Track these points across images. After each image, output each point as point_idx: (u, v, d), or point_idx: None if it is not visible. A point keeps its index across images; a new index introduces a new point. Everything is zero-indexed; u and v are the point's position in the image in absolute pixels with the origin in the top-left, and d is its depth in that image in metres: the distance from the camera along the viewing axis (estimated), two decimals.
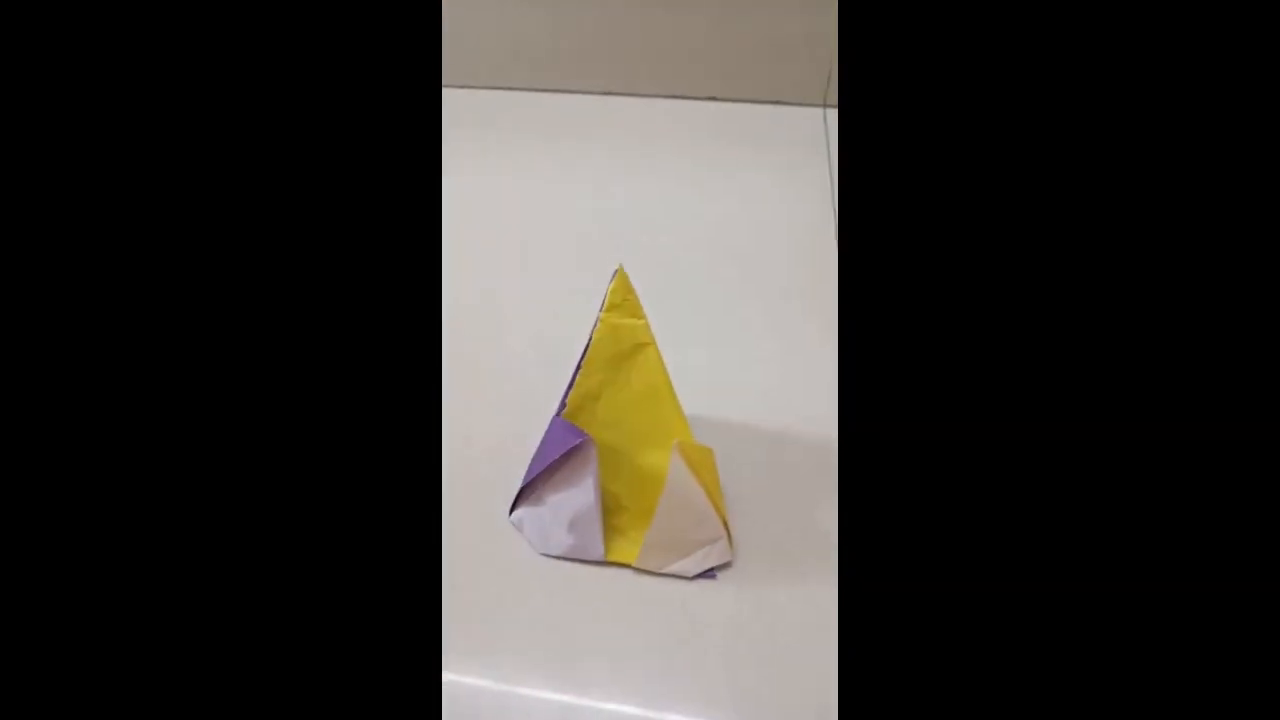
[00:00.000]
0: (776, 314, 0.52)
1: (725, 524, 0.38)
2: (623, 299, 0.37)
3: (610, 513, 0.39)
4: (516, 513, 0.40)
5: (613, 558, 0.38)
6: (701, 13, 0.68)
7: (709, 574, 0.38)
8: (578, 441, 0.37)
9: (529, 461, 0.40)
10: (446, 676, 0.34)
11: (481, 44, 0.75)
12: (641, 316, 0.37)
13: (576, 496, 0.38)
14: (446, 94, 0.74)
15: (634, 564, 0.38)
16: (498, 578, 0.38)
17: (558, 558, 0.39)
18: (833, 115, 0.68)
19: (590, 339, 0.38)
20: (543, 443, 0.40)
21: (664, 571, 0.38)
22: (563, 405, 0.40)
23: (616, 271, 0.37)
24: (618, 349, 0.38)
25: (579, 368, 0.39)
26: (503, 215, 0.60)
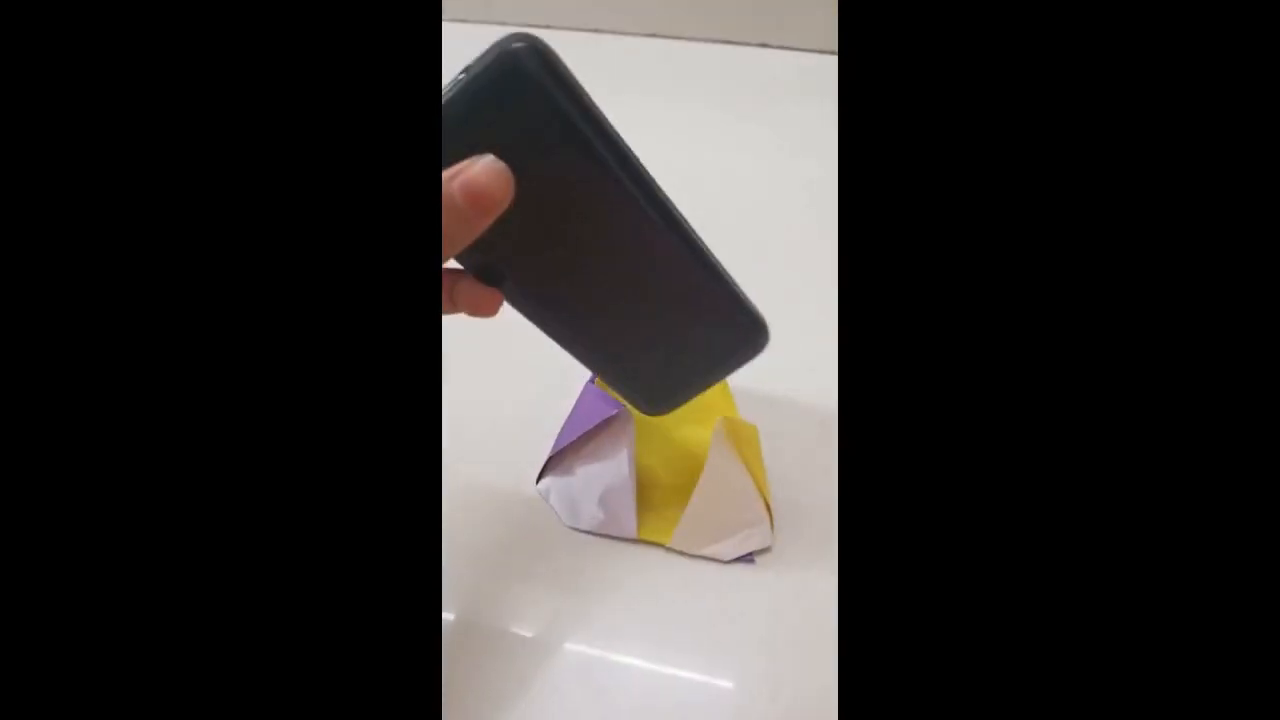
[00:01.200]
0: (829, 283, 0.49)
1: (768, 506, 0.35)
2: None
3: (644, 488, 0.37)
4: (544, 482, 0.38)
5: (645, 535, 0.36)
6: None
7: (747, 559, 0.35)
8: (612, 413, 0.35)
9: (559, 428, 0.38)
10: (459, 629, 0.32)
11: None
12: None
13: (609, 470, 0.36)
14: (480, 29, 0.74)
15: (668, 544, 0.36)
16: (523, 548, 0.36)
17: (587, 532, 0.37)
18: None
19: None
20: (574, 411, 0.38)
21: (699, 554, 0.35)
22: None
23: None
24: None
25: None
26: None
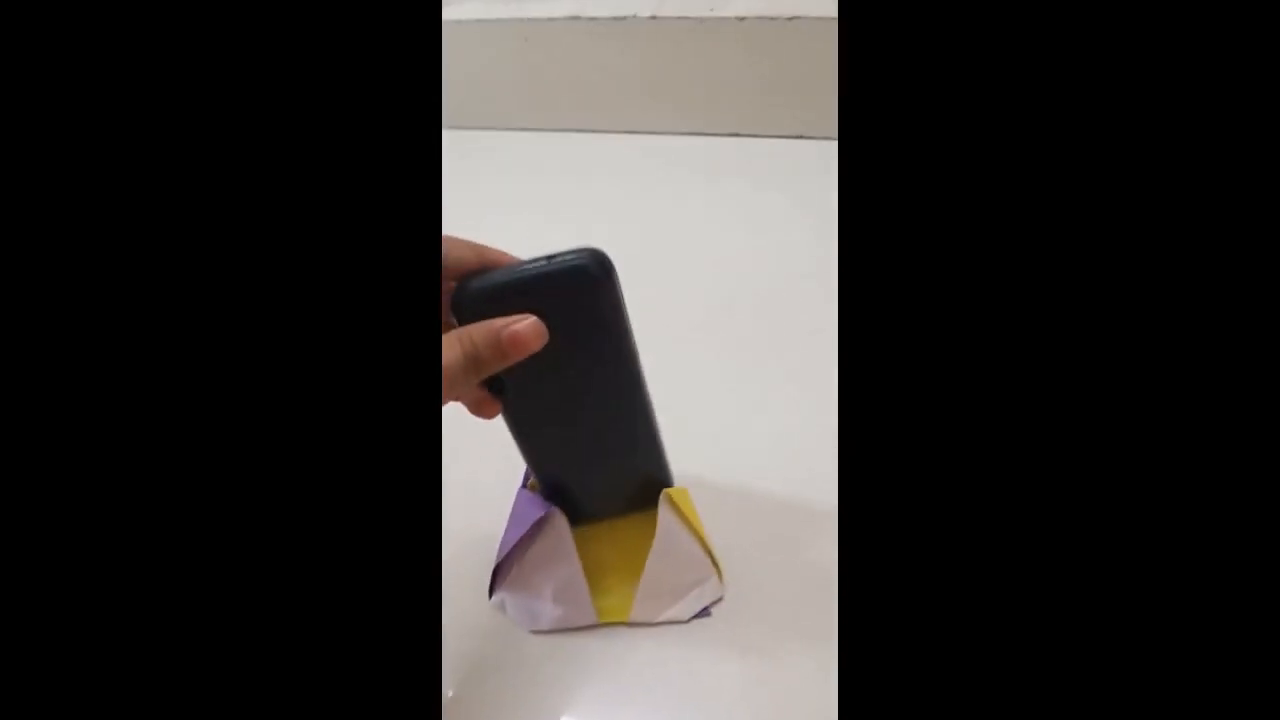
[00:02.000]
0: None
1: (714, 560, 0.38)
2: None
3: (595, 576, 0.39)
4: (496, 596, 0.39)
5: (605, 618, 0.38)
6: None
7: (704, 613, 0.38)
8: (542, 514, 0.37)
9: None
10: None
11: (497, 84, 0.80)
12: None
13: (557, 568, 0.37)
14: (463, 135, 0.79)
15: (628, 619, 0.38)
16: (495, 658, 0.37)
17: (549, 632, 0.38)
18: None
19: None
20: (510, 518, 0.40)
21: (659, 620, 0.38)
22: (526, 476, 0.40)
23: None
24: None
25: None
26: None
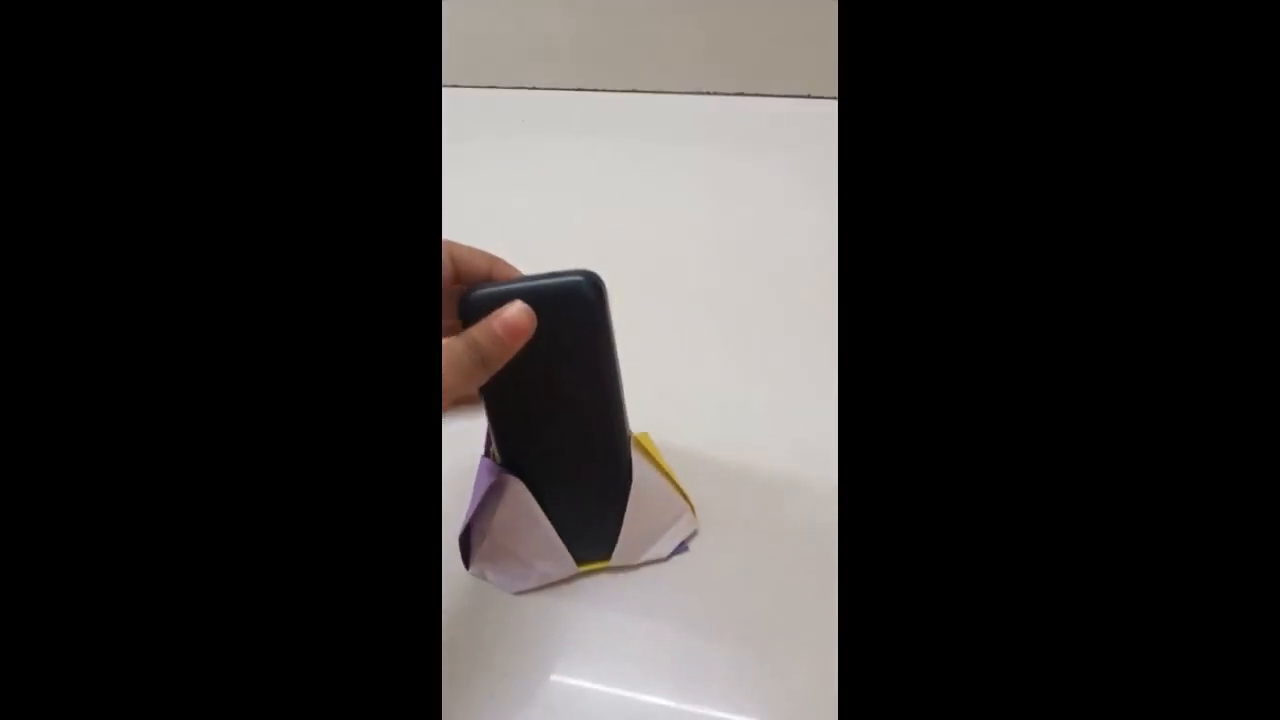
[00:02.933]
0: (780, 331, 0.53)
1: (685, 495, 0.39)
2: None
3: None
4: (474, 566, 0.39)
5: (585, 567, 0.39)
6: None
7: (682, 548, 0.39)
8: (493, 480, 0.37)
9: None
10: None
11: (503, 43, 0.78)
12: None
13: (528, 530, 0.37)
14: (460, 94, 0.77)
15: (610, 563, 0.38)
16: (479, 622, 0.37)
17: (534, 590, 0.38)
18: None
19: None
20: (475, 487, 0.39)
21: (640, 561, 0.39)
22: (488, 443, 0.39)
23: None
24: None
25: None
26: (517, 219, 0.60)
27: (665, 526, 0.39)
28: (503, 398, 0.35)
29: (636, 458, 0.37)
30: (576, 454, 0.37)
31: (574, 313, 0.33)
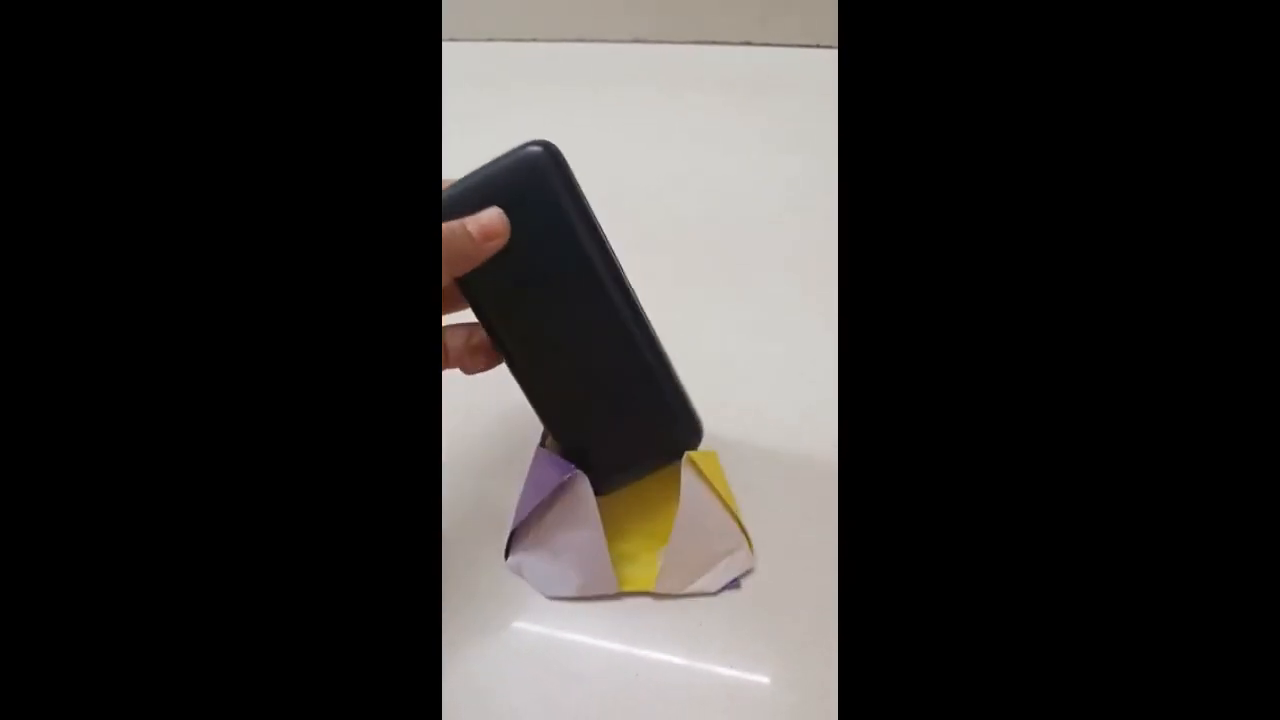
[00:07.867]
0: (785, 288, 0.51)
1: (743, 529, 0.36)
2: None
3: (616, 540, 0.36)
4: (513, 558, 0.37)
5: (627, 587, 0.36)
6: None
7: (733, 584, 0.36)
8: (567, 476, 0.34)
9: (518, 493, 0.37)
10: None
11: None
12: None
13: (578, 532, 0.35)
14: (455, 47, 0.78)
15: (653, 590, 0.35)
16: (508, 620, 0.35)
17: (569, 599, 0.36)
18: None
19: None
20: (528, 478, 0.37)
21: (686, 592, 0.35)
22: (544, 436, 0.37)
23: None
24: None
25: None
26: None
27: (717, 558, 0.35)
28: (484, 289, 0.33)
29: (691, 479, 0.34)
30: (581, 346, 0.33)
31: (536, 183, 0.31)
